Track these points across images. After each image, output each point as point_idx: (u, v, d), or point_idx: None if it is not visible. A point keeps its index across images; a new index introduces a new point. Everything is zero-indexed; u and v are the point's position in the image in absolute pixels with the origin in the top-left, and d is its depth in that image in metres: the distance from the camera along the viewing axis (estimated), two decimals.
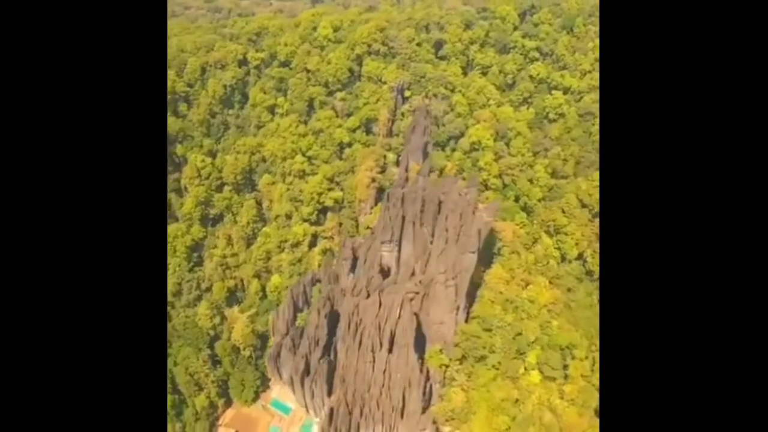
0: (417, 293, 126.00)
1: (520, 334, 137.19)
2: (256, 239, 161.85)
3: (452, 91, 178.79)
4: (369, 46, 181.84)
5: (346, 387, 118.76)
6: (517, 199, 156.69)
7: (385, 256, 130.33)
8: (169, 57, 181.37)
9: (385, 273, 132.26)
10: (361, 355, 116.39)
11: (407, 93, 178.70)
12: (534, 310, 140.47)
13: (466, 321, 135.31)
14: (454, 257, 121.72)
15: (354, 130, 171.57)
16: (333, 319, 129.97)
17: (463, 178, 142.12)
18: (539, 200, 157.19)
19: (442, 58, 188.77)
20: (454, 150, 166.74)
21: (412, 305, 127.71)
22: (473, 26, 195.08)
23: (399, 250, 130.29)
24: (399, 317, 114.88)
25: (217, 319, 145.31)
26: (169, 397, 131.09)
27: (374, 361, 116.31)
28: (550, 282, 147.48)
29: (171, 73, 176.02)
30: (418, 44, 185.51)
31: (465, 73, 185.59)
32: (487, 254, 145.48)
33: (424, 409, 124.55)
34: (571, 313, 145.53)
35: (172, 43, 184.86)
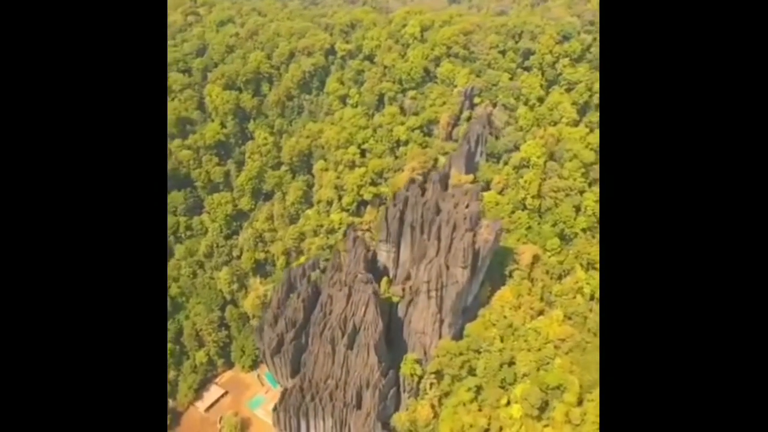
0: (402, 297, 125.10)
1: (513, 363, 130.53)
2: (299, 220, 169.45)
3: (525, 103, 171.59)
4: (449, 48, 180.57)
5: (304, 372, 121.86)
6: (554, 225, 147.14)
7: (383, 255, 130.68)
8: (263, 39, 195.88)
9: (381, 273, 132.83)
10: (323, 345, 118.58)
11: (477, 99, 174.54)
12: (537, 342, 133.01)
13: (460, 337, 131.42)
14: (441, 269, 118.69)
15: (414, 130, 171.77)
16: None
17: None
18: (582, 230, 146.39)
19: (526, 68, 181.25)
20: (506, 164, 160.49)
21: (396, 309, 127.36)
22: (571, 39, 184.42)
23: (397, 252, 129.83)
24: (364, 316, 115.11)
25: (235, 286, 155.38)
26: (173, 347, 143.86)
27: (334, 354, 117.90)
28: (569, 318, 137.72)
29: (261, 55, 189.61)
30: (501, 51, 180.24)
31: (546, 88, 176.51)
32: (501, 275, 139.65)
33: (388, 416, 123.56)
34: (584, 355, 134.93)
35: (270, 27, 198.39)
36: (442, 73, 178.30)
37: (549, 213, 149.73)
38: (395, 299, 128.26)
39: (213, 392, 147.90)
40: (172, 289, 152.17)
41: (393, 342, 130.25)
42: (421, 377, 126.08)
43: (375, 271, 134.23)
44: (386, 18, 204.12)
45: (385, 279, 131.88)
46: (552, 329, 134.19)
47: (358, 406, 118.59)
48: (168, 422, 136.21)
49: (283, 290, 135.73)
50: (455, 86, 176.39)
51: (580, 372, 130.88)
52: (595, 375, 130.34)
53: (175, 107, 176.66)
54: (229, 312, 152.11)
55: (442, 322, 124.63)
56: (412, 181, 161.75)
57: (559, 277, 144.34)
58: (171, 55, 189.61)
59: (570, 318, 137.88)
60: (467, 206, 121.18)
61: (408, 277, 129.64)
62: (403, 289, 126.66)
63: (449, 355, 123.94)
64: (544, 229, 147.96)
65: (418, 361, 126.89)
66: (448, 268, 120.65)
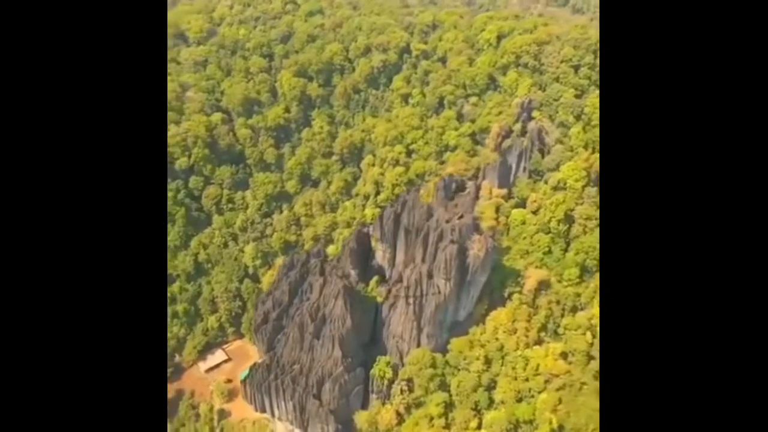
0: (385, 298, 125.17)
1: (493, 387, 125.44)
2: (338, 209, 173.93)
3: (587, 123, 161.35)
4: (518, 57, 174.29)
5: (274, 352, 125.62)
6: (577, 253, 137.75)
7: (379, 254, 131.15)
8: (344, 33, 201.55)
9: (377, 271, 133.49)
10: (294, 329, 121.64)
11: (535, 113, 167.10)
12: (525, 372, 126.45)
13: (444, 350, 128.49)
14: (422, 277, 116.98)
15: (465, 136, 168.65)
16: None
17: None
18: None
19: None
20: (546, 182, 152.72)
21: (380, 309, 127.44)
22: None
23: (393, 253, 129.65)
24: (333, 308, 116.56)
25: (258, 262, 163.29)
26: (188, 307, 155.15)
27: (302, 341, 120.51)
28: (572, 354, 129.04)
29: (337, 47, 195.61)
30: (575, 66, 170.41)
31: None
32: (501, 296, 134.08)
33: (351, 412, 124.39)
34: (577, 397, 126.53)
35: (353, 22, 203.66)
36: (504, 82, 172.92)
37: (575, 241, 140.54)
38: (380, 299, 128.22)
39: (217, 356, 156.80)
40: (201, 255, 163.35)
41: (376, 341, 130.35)
42: (391, 381, 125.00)
43: (371, 269, 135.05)
44: (468, 21, 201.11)
45: (375, 278, 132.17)
46: (545, 362, 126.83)
47: (318, 395, 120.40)
48: (170, 375, 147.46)
49: (282, 272, 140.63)
50: (516, 96, 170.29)
51: (565, 412, 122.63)
52: (583, 419, 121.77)
53: (245, 88, 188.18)
54: (246, 285, 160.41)
55: (420, 330, 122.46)
56: (412, 184, 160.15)
57: (573, 310, 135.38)
58: (256, 39, 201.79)
59: (572, 355, 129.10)
60: (460, 217, 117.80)
61: (400, 279, 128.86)
62: (389, 291, 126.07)
63: (419, 365, 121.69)
64: (567, 257, 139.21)
65: (393, 366, 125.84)
66: (431, 277, 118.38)
